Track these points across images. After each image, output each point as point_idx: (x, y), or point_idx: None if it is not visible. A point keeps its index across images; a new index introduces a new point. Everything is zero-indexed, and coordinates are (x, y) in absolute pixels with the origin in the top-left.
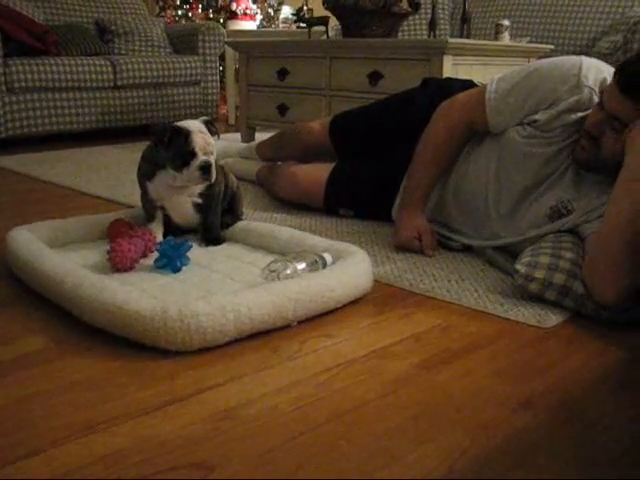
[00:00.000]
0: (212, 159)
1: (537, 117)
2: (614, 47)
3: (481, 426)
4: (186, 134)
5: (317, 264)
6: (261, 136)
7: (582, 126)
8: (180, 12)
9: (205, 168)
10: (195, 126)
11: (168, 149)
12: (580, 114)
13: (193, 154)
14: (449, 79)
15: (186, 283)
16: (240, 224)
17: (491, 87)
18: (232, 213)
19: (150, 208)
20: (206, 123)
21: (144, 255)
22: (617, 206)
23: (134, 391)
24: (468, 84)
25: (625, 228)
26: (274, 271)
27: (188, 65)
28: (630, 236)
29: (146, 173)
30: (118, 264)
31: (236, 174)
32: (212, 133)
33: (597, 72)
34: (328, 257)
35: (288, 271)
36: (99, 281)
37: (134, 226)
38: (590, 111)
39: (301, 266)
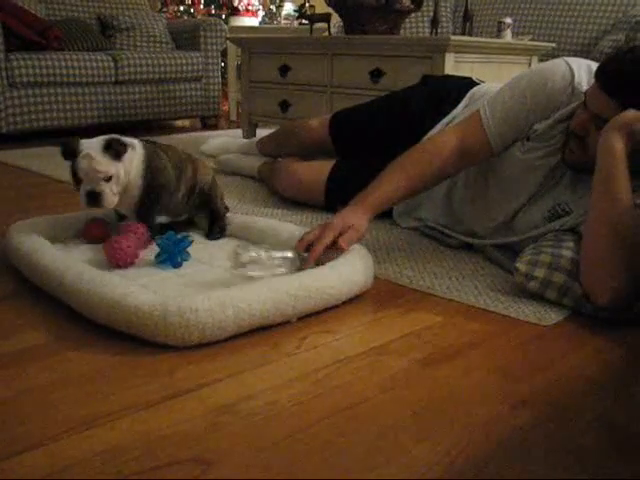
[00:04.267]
0: (104, 186)
1: (535, 127)
2: (616, 46)
3: (480, 423)
4: (73, 157)
5: (293, 261)
6: (263, 132)
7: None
8: (182, 8)
9: (92, 195)
10: (87, 147)
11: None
12: None
13: (77, 179)
14: (448, 76)
15: (186, 279)
16: (241, 219)
17: (485, 114)
18: (210, 210)
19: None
20: (107, 144)
21: (142, 249)
22: (596, 208)
23: (133, 386)
24: (466, 81)
25: (607, 229)
26: (238, 257)
27: (190, 61)
28: (613, 236)
29: None
30: (119, 260)
31: (238, 170)
32: (118, 153)
33: (588, 75)
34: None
35: (253, 254)
36: (99, 276)
37: (110, 224)
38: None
39: (272, 256)
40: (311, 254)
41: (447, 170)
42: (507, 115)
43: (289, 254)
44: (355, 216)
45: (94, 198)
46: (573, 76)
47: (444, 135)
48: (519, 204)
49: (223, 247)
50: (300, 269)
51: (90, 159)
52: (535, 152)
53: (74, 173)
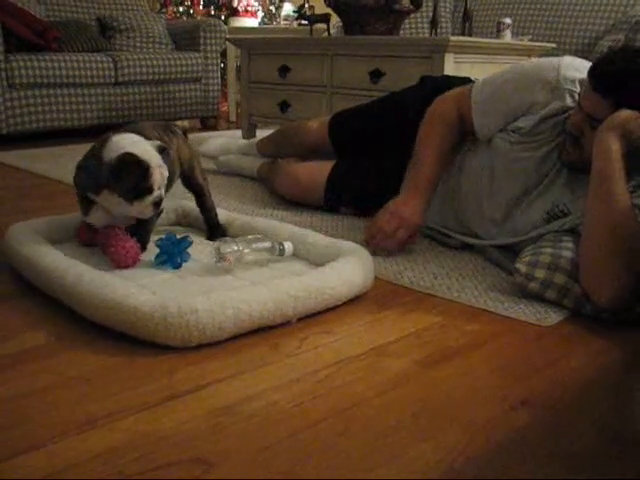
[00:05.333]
0: (162, 190)
1: (520, 124)
2: (616, 46)
3: (480, 424)
4: (145, 169)
5: (273, 250)
6: (262, 133)
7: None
8: (181, 9)
9: (158, 203)
10: (153, 157)
11: (121, 179)
12: (564, 116)
13: (150, 190)
14: (446, 77)
15: (186, 279)
16: (241, 220)
17: (476, 89)
18: (193, 187)
19: (86, 205)
20: (161, 151)
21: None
22: (593, 209)
23: (133, 387)
24: (466, 82)
25: (605, 230)
26: (219, 251)
27: (189, 62)
28: (611, 237)
29: (88, 187)
30: (129, 260)
31: (238, 171)
32: (165, 161)
33: (577, 72)
34: (288, 246)
35: (234, 247)
36: (99, 277)
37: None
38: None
39: (247, 249)
40: (377, 244)
41: (458, 131)
42: (492, 96)
43: (267, 244)
44: (409, 207)
45: (160, 203)
46: (559, 72)
47: (444, 103)
48: (512, 196)
49: None
50: (280, 256)
51: (162, 168)
52: (520, 145)
53: (146, 186)
